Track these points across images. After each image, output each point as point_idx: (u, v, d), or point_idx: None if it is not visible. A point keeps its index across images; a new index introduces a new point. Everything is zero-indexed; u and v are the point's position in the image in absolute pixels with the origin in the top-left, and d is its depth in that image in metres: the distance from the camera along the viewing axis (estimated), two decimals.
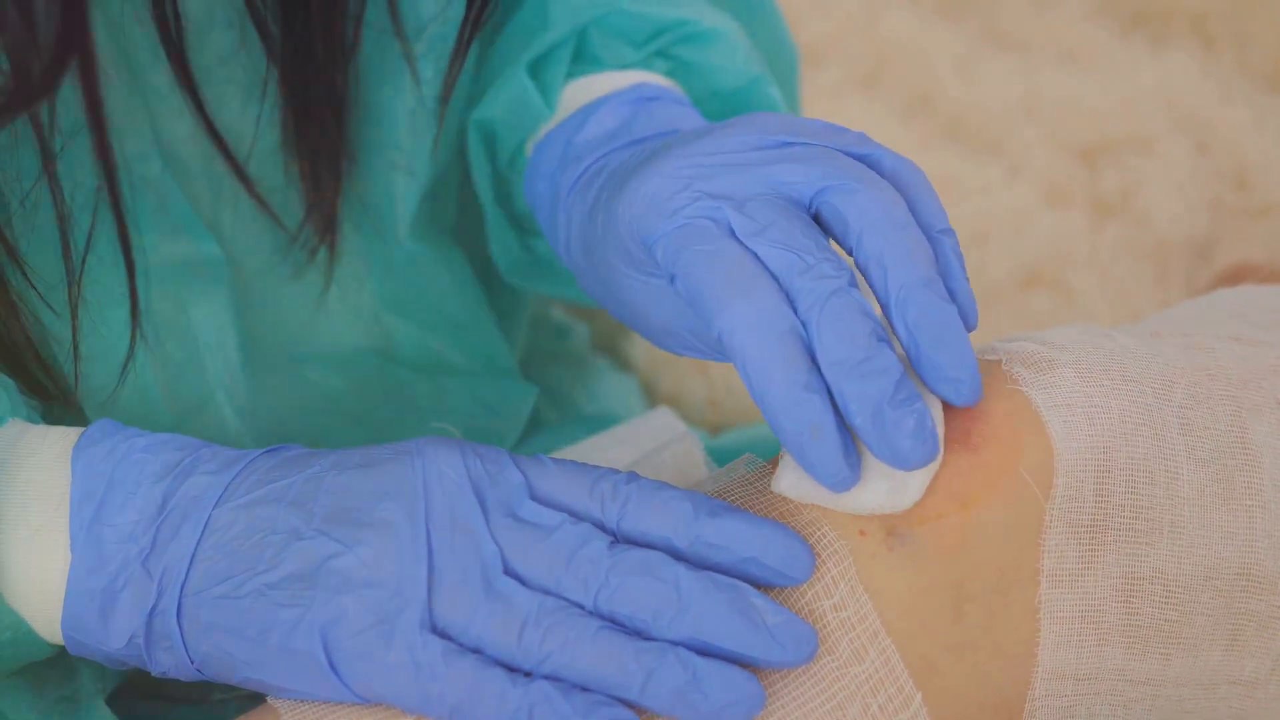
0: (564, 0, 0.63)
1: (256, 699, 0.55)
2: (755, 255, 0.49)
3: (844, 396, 0.47)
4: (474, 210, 0.75)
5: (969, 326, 0.50)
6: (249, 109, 0.58)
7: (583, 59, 0.64)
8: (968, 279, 0.51)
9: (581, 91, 0.63)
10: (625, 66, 0.64)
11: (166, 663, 0.50)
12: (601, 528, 0.49)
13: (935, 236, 0.50)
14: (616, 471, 0.50)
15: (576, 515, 0.50)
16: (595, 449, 0.62)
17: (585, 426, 0.71)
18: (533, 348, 0.80)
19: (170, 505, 0.50)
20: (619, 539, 0.49)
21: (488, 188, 0.66)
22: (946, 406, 0.51)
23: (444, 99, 0.61)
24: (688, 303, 0.50)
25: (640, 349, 0.89)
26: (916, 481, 0.50)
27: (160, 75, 0.56)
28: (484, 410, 0.66)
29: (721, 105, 0.65)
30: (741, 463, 0.54)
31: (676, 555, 0.49)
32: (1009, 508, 0.51)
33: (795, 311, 0.48)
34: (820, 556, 0.50)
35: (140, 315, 0.55)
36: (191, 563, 0.49)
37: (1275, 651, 0.53)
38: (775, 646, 0.48)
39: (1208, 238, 1.01)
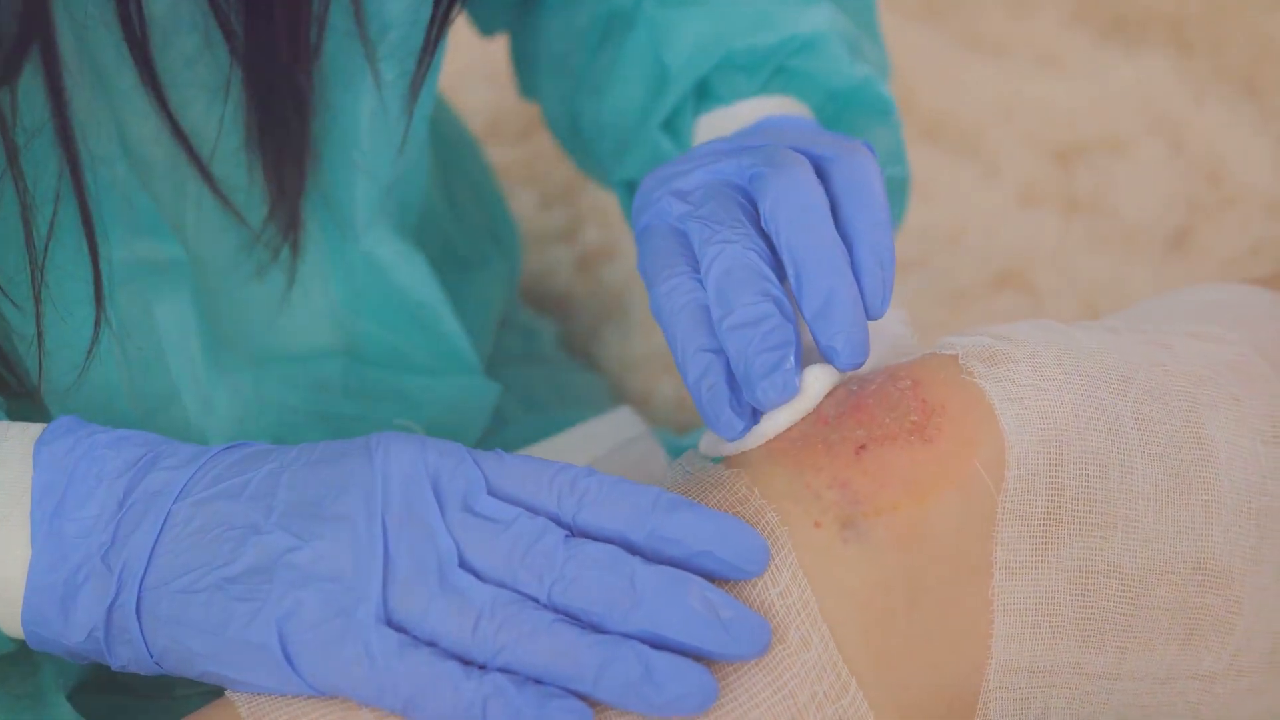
0: (677, 50, 0.69)
1: (219, 694, 0.55)
2: (685, 236, 0.56)
3: (725, 346, 0.53)
4: (439, 212, 0.75)
5: (869, 307, 0.54)
6: (213, 110, 0.59)
7: (706, 96, 0.70)
8: (883, 267, 0.54)
9: (713, 126, 0.69)
10: (744, 96, 0.69)
11: (126, 657, 0.51)
12: (558, 522, 0.50)
13: (862, 230, 0.54)
14: (574, 467, 0.51)
15: (533, 510, 0.50)
16: (556, 447, 0.62)
17: (550, 426, 0.71)
18: (501, 348, 0.80)
19: (131, 500, 0.51)
20: (575, 533, 0.50)
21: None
22: (895, 391, 0.52)
23: (411, 99, 0.61)
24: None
25: (610, 350, 0.89)
26: (779, 419, 0.53)
27: (125, 77, 0.57)
28: (447, 408, 0.67)
29: (839, 107, 0.70)
30: (694, 456, 0.54)
31: (632, 549, 0.49)
32: (963, 500, 0.51)
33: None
34: None
35: (104, 309, 0.55)
36: (151, 557, 0.50)
37: (1233, 646, 0.54)
38: (729, 640, 0.48)
39: (1180, 230, 1.02)
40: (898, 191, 0.71)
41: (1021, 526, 0.51)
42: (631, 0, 0.70)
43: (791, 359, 0.52)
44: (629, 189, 0.72)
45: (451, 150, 0.81)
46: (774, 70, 0.69)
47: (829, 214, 0.55)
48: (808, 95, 0.69)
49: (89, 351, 0.56)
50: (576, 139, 0.75)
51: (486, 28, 0.79)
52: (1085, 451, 0.52)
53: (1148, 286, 0.98)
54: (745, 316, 0.52)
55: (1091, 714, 0.53)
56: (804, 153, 0.57)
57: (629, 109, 0.70)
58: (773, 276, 0.54)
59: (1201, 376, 0.56)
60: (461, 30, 0.84)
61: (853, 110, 0.69)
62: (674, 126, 0.70)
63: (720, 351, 0.53)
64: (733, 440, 0.53)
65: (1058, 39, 1.16)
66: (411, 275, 0.66)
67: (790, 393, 0.52)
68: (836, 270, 0.53)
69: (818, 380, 0.53)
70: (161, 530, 0.50)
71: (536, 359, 0.82)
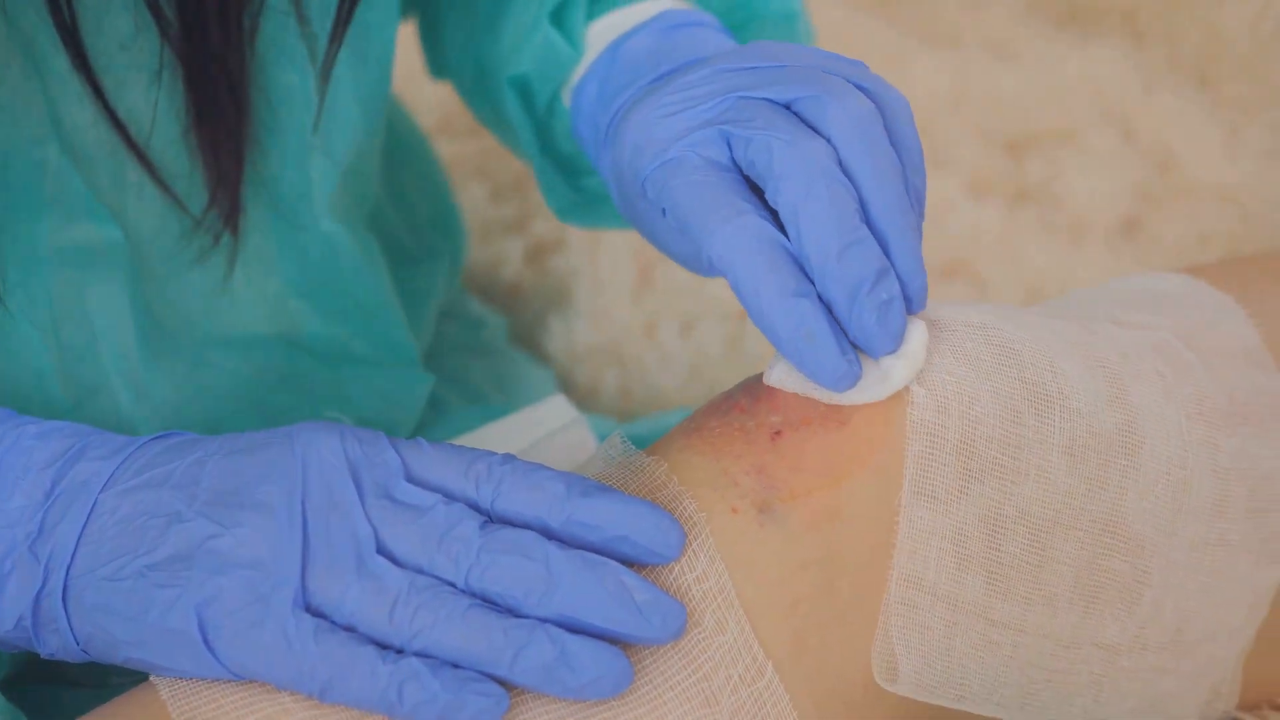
0: None
1: None
2: (734, 171, 0.52)
3: (825, 279, 0.50)
4: (383, 206, 0.76)
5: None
6: (150, 95, 0.59)
7: (597, 1, 0.66)
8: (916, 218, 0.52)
9: (608, 28, 0.66)
10: None
11: (54, 644, 0.51)
12: (476, 509, 0.51)
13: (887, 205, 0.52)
14: (492, 454, 0.51)
15: (451, 496, 0.51)
16: (488, 436, 0.63)
17: (489, 416, 0.72)
18: (444, 339, 0.81)
19: (58, 491, 0.51)
20: (494, 520, 0.50)
21: (532, 139, 0.69)
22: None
23: (324, 73, 0.61)
24: (679, 232, 0.53)
25: (557, 341, 0.90)
26: (899, 371, 0.51)
27: (61, 61, 0.57)
28: (381, 399, 0.67)
29: (742, 14, 0.68)
30: (616, 440, 0.55)
31: (550, 535, 0.50)
32: (878, 482, 0.52)
33: (780, 203, 0.51)
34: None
35: (35, 286, 0.55)
36: (77, 546, 0.50)
37: (1139, 618, 0.54)
38: (644, 623, 0.49)
39: (1130, 220, 1.02)
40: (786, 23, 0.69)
41: (936, 458, 0.52)
42: None
43: (899, 302, 0.50)
44: (519, 89, 0.69)
45: (400, 146, 0.82)
46: None
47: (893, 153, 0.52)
48: (708, 2, 0.68)
49: None
50: (479, 84, 0.72)
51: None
52: (999, 406, 0.53)
53: (1096, 277, 0.98)
54: (855, 249, 0.50)
55: (997, 667, 0.53)
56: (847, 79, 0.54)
57: (525, 9, 0.67)
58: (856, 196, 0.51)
59: (1125, 354, 0.56)
60: (414, 29, 0.85)
61: (758, 21, 0.68)
62: (565, 24, 0.67)
63: (814, 296, 0.50)
64: (842, 391, 0.51)
65: (1011, 29, 1.17)
66: (364, 261, 0.66)
67: (897, 337, 0.51)
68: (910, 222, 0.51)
69: (917, 335, 0.52)
70: (88, 520, 0.51)
71: (480, 350, 0.82)
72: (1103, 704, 0.55)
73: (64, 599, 0.50)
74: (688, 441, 0.54)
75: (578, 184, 0.71)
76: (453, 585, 0.49)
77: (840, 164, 0.51)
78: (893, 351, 0.51)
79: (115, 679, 0.60)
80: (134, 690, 0.51)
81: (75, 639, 0.51)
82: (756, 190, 0.53)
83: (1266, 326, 0.60)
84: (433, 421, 0.73)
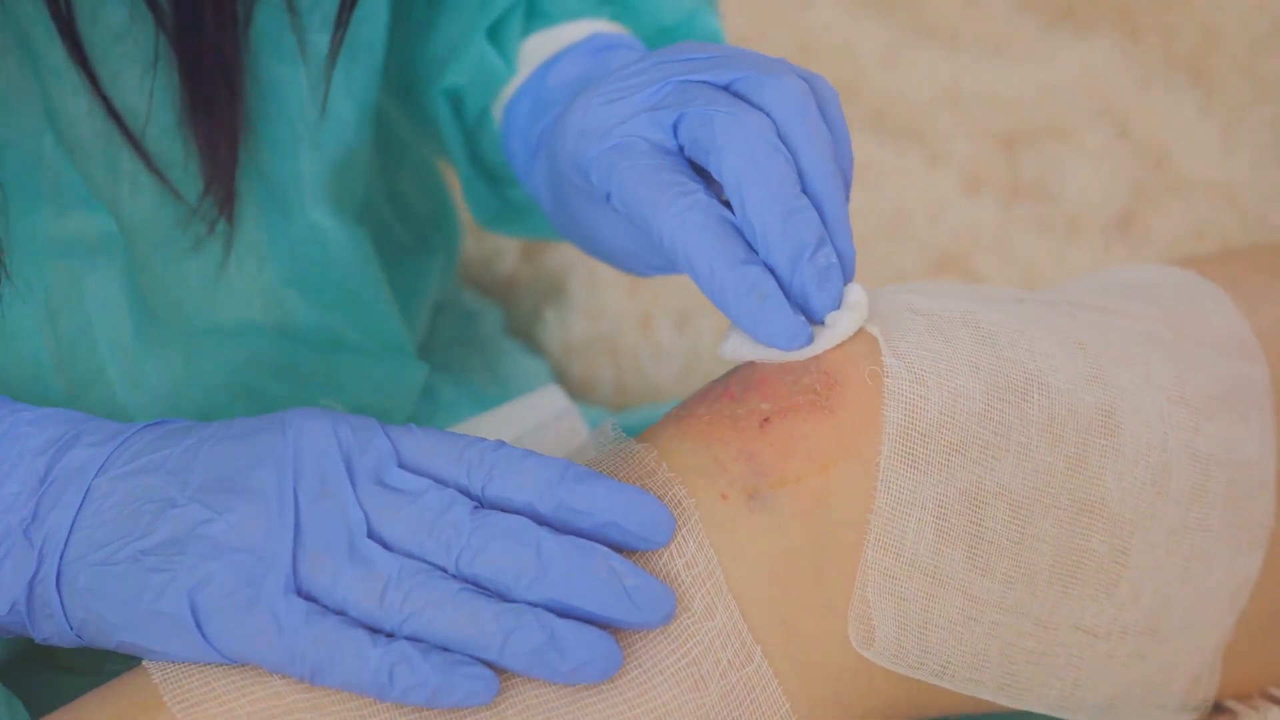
0: None
1: None
2: (678, 154, 0.54)
3: (768, 245, 0.52)
4: (379, 201, 0.76)
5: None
6: (145, 84, 0.59)
7: (535, 15, 0.69)
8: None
9: (539, 47, 0.68)
10: (575, 17, 0.68)
11: (48, 630, 0.52)
12: (468, 494, 0.51)
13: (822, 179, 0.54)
14: (484, 440, 0.52)
15: (443, 482, 0.51)
16: (481, 425, 0.63)
17: (483, 406, 0.72)
18: (441, 331, 0.81)
19: (52, 476, 0.52)
20: (485, 505, 0.51)
21: (460, 149, 0.71)
22: (798, 364, 0.54)
23: (329, 64, 0.62)
24: (626, 216, 0.54)
25: (553, 334, 0.90)
26: (845, 319, 0.53)
27: (56, 52, 0.57)
28: (374, 389, 0.68)
29: (668, 40, 0.69)
30: (608, 427, 0.55)
31: (540, 520, 0.50)
32: (866, 468, 0.53)
33: (724, 172, 0.52)
34: None
35: (7, 276, 0.56)
36: (71, 531, 0.51)
37: (1117, 600, 0.55)
38: (633, 608, 0.49)
39: (1125, 215, 1.03)
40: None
41: (915, 437, 0.52)
42: None
43: (836, 266, 0.53)
44: (451, 101, 0.70)
45: (395, 141, 0.82)
46: None
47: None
48: (638, 26, 0.70)
49: None
50: (406, 87, 0.74)
51: None
52: (979, 382, 0.53)
53: (1090, 271, 0.99)
54: (799, 224, 0.52)
55: (976, 644, 0.53)
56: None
57: (457, 22, 0.69)
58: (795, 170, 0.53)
59: (1109, 338, 0.57)
60: None
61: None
62: (500, 40, 0.69)
63: (761, 263, 0.52)
64: (795, 349, 0.53)
65: (1006, 26, 1.17)
66: (354, 254, 0.67)
67: (835, 299, 0.53)
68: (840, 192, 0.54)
69: (857, 292, 0.54)
70: (81, 505, 0.51)
71: (475, 343, 0.83)
72: (1081, 688, 0.56)
73: (58, 584, 0.51)
74: (678, 429, 0.54)
75: (503, 194, 0.73)
76: (443, 570, 0.49)
77: (779, 136, 0.53)
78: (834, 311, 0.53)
79: (111, 666, 0.60)
80: (127, 674, 0.51)
81: (69, 624, 0.51)
82: (701, 174, 0.55)
83: (1256, 317, 0.61)
84: (426, 412, 0.73)
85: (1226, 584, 0.57)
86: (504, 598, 0.49)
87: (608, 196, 0.55)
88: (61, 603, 0.51)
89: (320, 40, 0.63)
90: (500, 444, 0.52)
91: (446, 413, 0.73)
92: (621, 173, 0.54)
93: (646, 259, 0.60)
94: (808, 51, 1.13)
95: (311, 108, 0.63)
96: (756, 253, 0.52)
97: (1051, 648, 0.54)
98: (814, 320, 0.53)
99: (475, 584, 0.49)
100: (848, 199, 0.55)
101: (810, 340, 0.53)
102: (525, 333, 0.92)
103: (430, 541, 0.50)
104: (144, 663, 0.51)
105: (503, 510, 0.51)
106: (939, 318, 0.55)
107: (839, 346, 0.53)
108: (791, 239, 0.52)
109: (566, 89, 0.66)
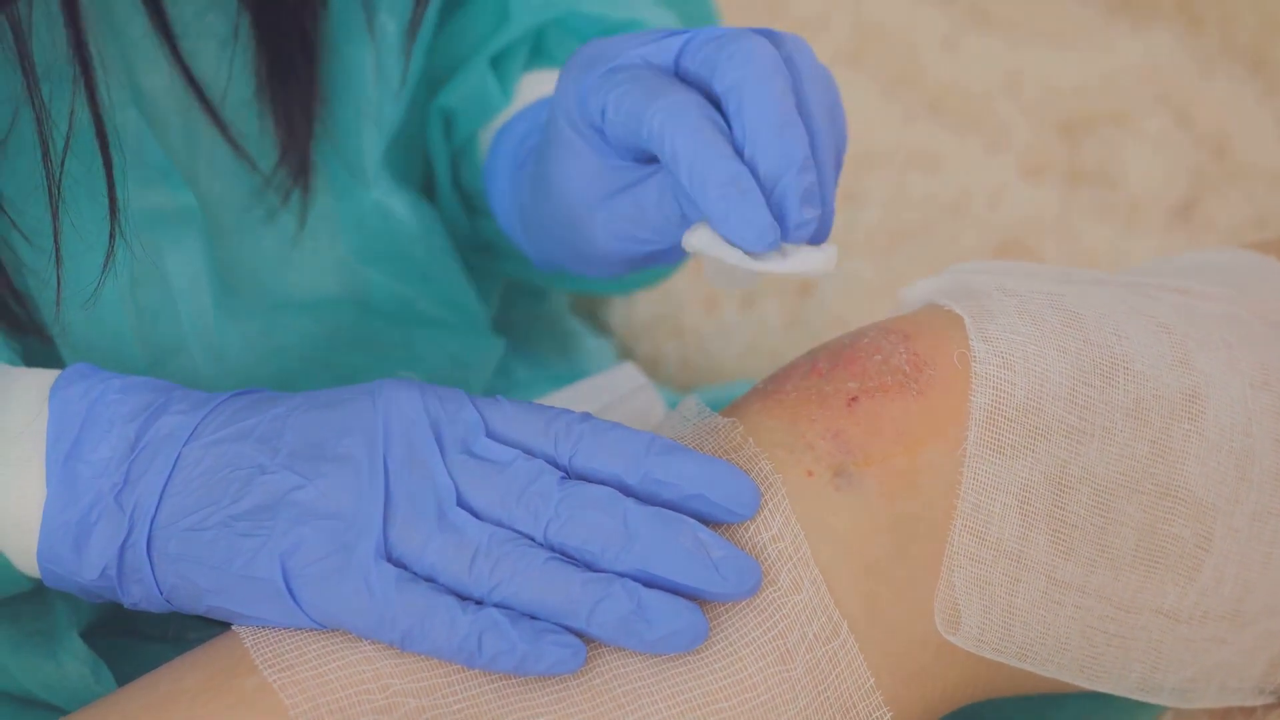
0: None
1: None
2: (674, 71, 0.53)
3: (757, 151, 0.51)
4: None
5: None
6: (223, 57, 0.60)
7: (540, 53, 0.69)
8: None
9: (537, 84, 0.69)
10: None
11: (137, 594, 0.52)
12: (555, 465, 0.51)
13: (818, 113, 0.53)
14: (570, 412, 0.52)
15: (531, 452, 0.51)
16: (559, 399, 0.64)
17: (555, 382, 0.73)
18: (510, 309, 0.81)
19: (142, 443, 0.52)
20: (572, 476, 0.51)
21: (445, 168, 0.71)
22: (887, 344, 0.54)
23: (408, 44, 0.63)
24: (618, 124, 0.53)
25: (618, 314, 0.91)
26: (814, 257, 0.52)
27: (137, 26, 0.58)
28: (451, 361, 0.68)
29: None
30: (691, 402, 0.55)
31: (627, 492, 0.51)
32: (953, 450, 0.53)
33: (725, 80, 0.52)
34: None
35: (117, 247, 0.57)
36: (161, 497, 0.51)
37: (1199, 585, 0.55)
38: (719, 579, 0.49)
39: (1185, 202, 1.03)
40: None
41: (1003, 422, 0.52)
42: None
43: (816, 194, 0.52)
44: (443, 121, 0.71)
45: None
46: None
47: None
48: None
49: (102, 274, 0.56)
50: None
51: None
52: (1066, 365, 0.53)
53: (1150, 257, 0.99)
54: (793, 138, 0.51)
55: (1059, 628, 0.54)
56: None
57: (463, 42, 0.70)
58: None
59: (1191, 320, 0.57)
60: None
61: None
62: (502, 70, 0.69)
63: (745, 165, 0.51)
64: (759, 251, 0.51)
65: (1066, 14, 1.17)
66: (421, 227, 0.67)
67: (814, 221, 0.52)
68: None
69: (832, 247, 0.53)
70: (172, 472, 0.51)
71: (545, 321, 0.83)
72: (1160, 670, 0.56)
73: (148, 549, 0.51)
74: (764, 404, 0.54)
75: (475, 223, 0.73)
76: (531, 539, 0.50)
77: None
78: (804, 242, 0.52)
79: (192, 634, 0.61)
80: (217, 639, 0.52)
81: (159, 588, 0.51)
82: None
83: None
84: (502, 389, 0.74)
85: None
86: (591, 567, 0.50)
87: (602, 113, 0.54)
88: (152, 568, 0.51)
89: (388, 21, 0.63)
90: (586, 416, 0.52)
91: (522, 390, 0.74)
92: (617, 82, 0.54)
93: (619, 225, 0.57)
94: (868, 39, 1.13)
95: (377, 86, 0.64)
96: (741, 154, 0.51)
97: (1132, 631, 0.54)
98: (785, 237, 0.52)
99: (563, 553, 0.50)
100: (838, 168, 0.54)
101: (777, 245, 0.51)
102: (591, 312, 0.92)
103: (519, 510, 0.50)
104: (234, 627, 0.51)
105: (589, 482, 0.51)
106: (1027, 298, 0.55)
107: (929, 328, 0.54)
108: (783, 149, 0.51)
109: None
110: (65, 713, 0.58)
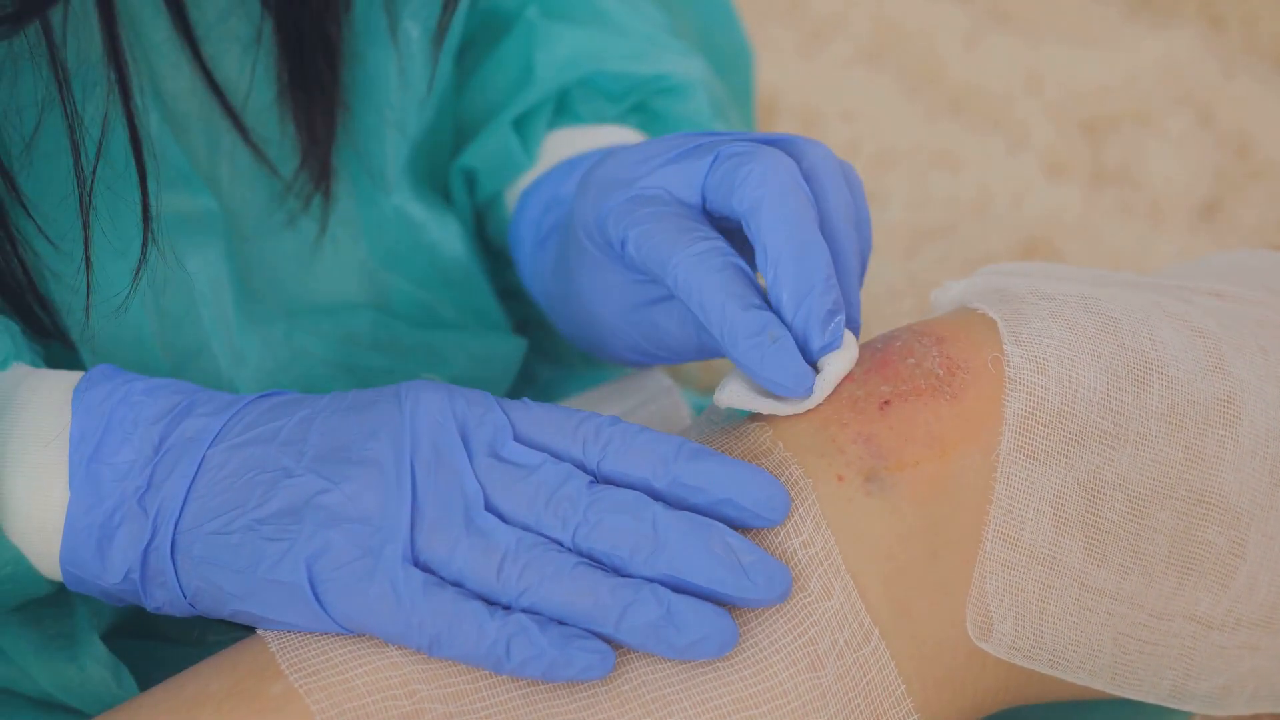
0: (549, 55, 0.68)
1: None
2: (697, 207, 0.54)
3: (780, 283, 0.51)
4: None
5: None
6: (245, 61, 0.60)
7: (563, 111, 0.69)
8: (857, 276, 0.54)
9: (562, 143, 0.68)
10: (602, 121, 0.68)
11: (161, 598, 0.52)
12: (583, 469, 0.51)
13: (840, 227, 0.54)
14: (599, 415, 0.51)
15: (558, 456, 0.51)
16: (585, 402, 0.63)
17: (579, 384, 0.72)
18: (532, 309, 0.81)
19: (166, 445, 0.52)
20: (600, 480, 0.51)
21: (469, 222, 0.71)
22: (920, 348, 0.53)
23: (436, 46, 0.62)
24: (639, 262, 0.54)
25: None
26: (835, 364, 0.52)
27: (159, 29, 0.58)
28: (474, 362, 0.68)
29: None
30: (720, 406, 0.55)
31: (655, 497, 0.50)
32: (986, 455, 0.52)
33: (745, 197, 0.52)
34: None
35: (150, 233, 0.56)
36: (186, 500, 0.51)
37: (1233, 592, 0.54)
38: (749, 584, 0.49)
39: (1208, 202, 1.02)
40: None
41: (1036, 426, 0.52)
42: (515, 5, 0.70)
43: (841, 319, 0.52)
44: (465, 179, 0.71)
45: None
46: (636, 105, 0.70)
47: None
48: (660, 135, 0.68)
49: (135, 278, 0.56)
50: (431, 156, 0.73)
51: None
52: (1100, 370, 0.53)
53: (1174, 257, 0.98)
54: (815, 257, 0.52)
55: (1091, 635, 0.53)
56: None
57: (485, 101, 0.70)
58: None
59: (1226, 325, 0.56)
60: None
61: None
62: (525, 130, 0.69)
63: (772, 310, 0.52)
64: (798, 396, 0.52)
65: (1087, 13, 1.17)
66: (441, 233, 0.67)
67: (839, 341, 0.52)
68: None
69: (849, 335, 0.53)
70: (196, 474, 0.51)
71: None
72: (1193, 678, 0.55)
73: (172, 552, 0.51)
74: None
75: (501, 272, 0.73)
76: (559, 544, 0.49)
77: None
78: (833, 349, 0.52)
79: (213, 637, 0.61)
80: (242, 642, 0.51)
81: (183, 592, 0.51)
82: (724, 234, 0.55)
83: None
84: (523, 390, 0.73)
85: None
86: (619, 572, 0.49)
87: (623, 244, 0.54)
88: (176, 571, 0.51)
89: (411, 27, 0.63)
90: (615, 419, 0.51)
91: (545, 391, 0.73)
92: (640, 218, 0.54)
93: (636, 339, 0.59)
94: (889, 38, 1.12)
95: (400, 92, 0.64)
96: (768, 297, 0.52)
97: (1165, 638, 0.54)
98: (810, 362, 0.53)
99: (591, 558, 0.49)
100: (863, 271, 0.55)
101: (814, 383, 0.52)
102: None
103: (547, 515, 0.49)
104: (259, 631, 0.51)
105: (617, 486, 0.50)
106: (1061, 302, 0.54)
107: (963, 331, 0.53)
108: (803, 273, 0.51)
109: None
110: (86, 716, 0.57)
